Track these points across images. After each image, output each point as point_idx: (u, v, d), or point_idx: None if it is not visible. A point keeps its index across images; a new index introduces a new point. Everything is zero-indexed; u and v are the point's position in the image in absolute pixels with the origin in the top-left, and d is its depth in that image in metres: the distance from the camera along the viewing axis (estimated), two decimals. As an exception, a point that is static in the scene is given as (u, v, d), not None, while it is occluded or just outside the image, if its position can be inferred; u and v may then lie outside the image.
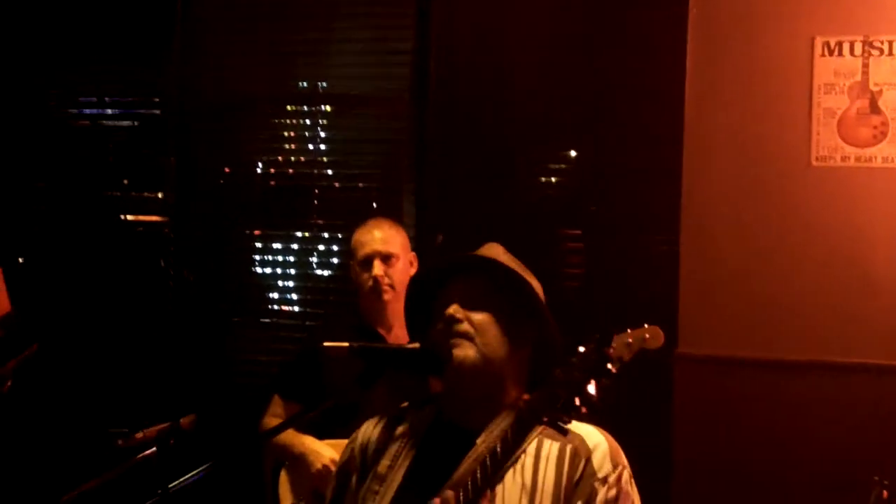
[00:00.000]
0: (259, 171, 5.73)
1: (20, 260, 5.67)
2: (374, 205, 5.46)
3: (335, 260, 5.59)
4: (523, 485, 2.30)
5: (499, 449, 2.29)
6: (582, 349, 2.36)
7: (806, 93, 4.68)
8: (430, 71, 5.35)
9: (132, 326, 5.69)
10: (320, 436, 4.03)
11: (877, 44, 4.59)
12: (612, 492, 2.30)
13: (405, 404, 2.61)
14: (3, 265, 4.37)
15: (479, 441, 2.34)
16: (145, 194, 5.88)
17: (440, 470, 2.33)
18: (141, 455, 2.93)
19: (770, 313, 4.69)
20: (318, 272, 5.63)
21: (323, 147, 5.63)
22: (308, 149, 5.64)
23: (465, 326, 2.37)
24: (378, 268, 4.07)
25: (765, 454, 4.61)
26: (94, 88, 5.95)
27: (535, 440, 2.34)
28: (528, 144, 5.27)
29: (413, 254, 4.24)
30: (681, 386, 4.77)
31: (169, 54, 5.75)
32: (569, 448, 2.33)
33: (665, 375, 4.70)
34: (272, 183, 5.70)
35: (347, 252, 5.33)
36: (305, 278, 5.64)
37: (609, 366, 2.35)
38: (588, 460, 2.32)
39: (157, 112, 5.88)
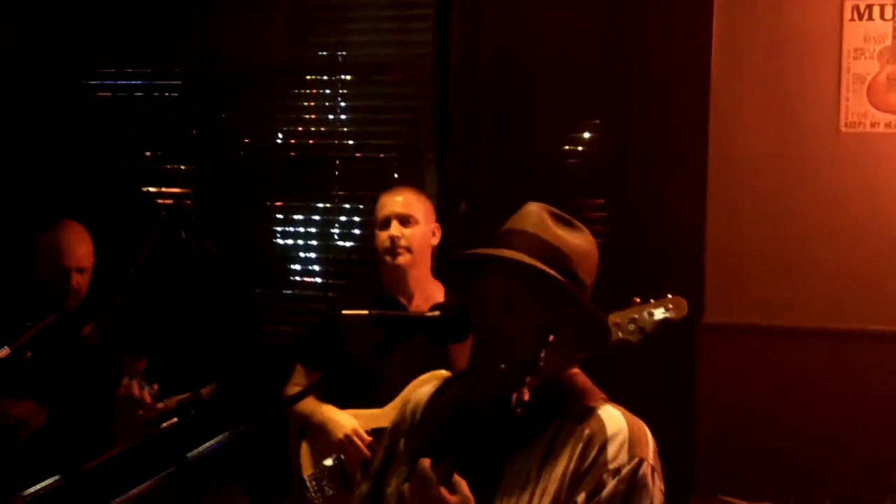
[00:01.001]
0: (279, 141, 5.69)
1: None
2: (396, 175, 5.41)
3: (357, 231, 5.55)
4: (533, 467, 2.20)
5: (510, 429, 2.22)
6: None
7: (835, 58, 4.62)
8: (452, 37, 5.26)
9: (154, 298, 5.67)
10: (342, 405, 4.03)
11: (907, 7, 4.52)
12: (623, 486, 2.14)
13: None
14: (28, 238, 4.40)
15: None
16: (167, 166, 5.85)
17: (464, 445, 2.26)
18: (162, 425, 2.90)
19: (797, 281, 4.66)
20: (340, 243, 5.60)
21: (343, 117, 5.57)
22: (328, 119, 5.60)
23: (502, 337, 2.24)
24: (395, 228, 4.05)
25: (790, 423, 4.59)
26: (115, 60, 5.91)
27: (556, 422, 2.24)
28: (553, 112, 5.19)
29: (437, 224, 4.21)
30: (706, 355, 4.73)
31: (189, 24, 5.71)
32: (586, 433, 2.20)
33: (690, 344, 4.67)
34: (293, 154, 5.67)
35: (369, 223, 5.32)
36: (327, 249, 5.61)
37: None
38: (602, 448, 2.17)
39: (178, 83, 5.84)
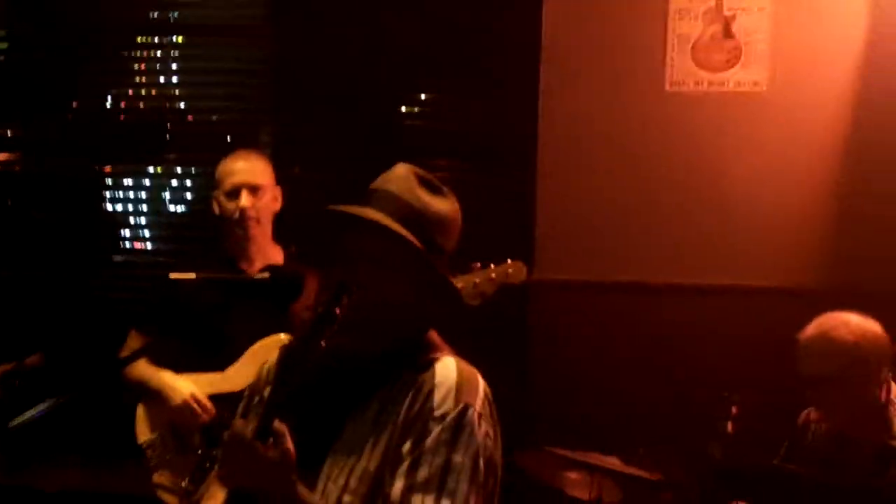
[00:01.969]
0: (110, 105, 5.54)
1: None
2: (229, 138, 5.32)
3: (190, 196, 5.47)
4: (370, 420, 2.20)
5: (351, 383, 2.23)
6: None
7: (661, 19, 4.72)
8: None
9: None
10: (181, 370, 3.97)
11: (730, -32, 4.64)
12: (448, 433, 2.12)
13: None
14: None
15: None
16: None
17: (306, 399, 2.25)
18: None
19: (626, 238, 4.76)
20: (173, 208, 5.50)
21: (175, 79, 5.45)
22: (160, 81, 5.47)
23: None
24: (246, 199, 3.96)
25: (621, 375, 4.70)
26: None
27: (397, 376, 2.23)
28: (389, 74, 5.19)
29: (278, 188, 4.15)
30: (537, 311, 4.81)
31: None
32: (418, 382, 2.20)
33: (521, 301, 4.74)
34: (123, 118, 5.53)
35: (203, 187, 5.25)
36: (160, 214, 5.51)
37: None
38: (429, 396, 2.17)
39: (4, 45, 5.64)
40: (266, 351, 3.84)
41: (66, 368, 5.01)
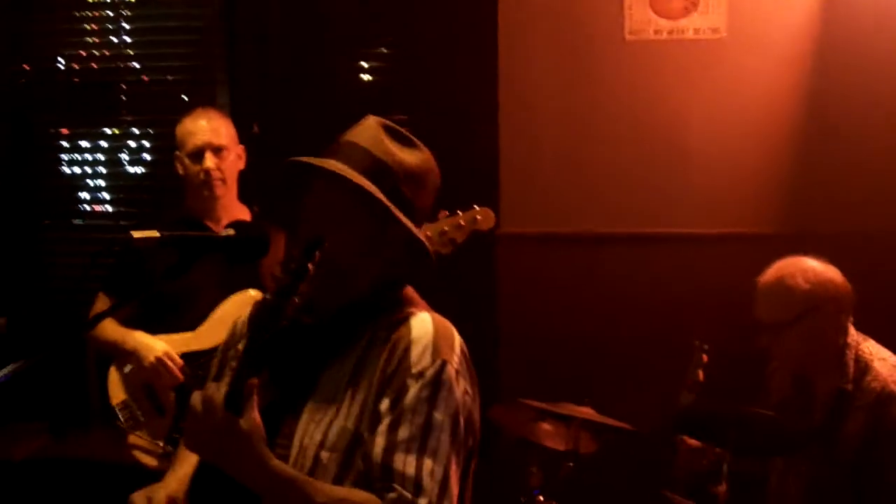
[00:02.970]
0: (62, 66, 5.44)
1: None
2: (186, 97, 5.26)
3: (147, 156, 5.39)
4: (346, 375, 2.19)
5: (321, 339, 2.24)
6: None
7: (618, -34, 4.70)
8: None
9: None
10: (153, 331, 3.94)
11: (688, -85, 4.62)
12: (427, 390, 2.12)
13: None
14: None
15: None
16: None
17: (280, 355, 2.26)
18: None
19: (589, 189, 4.78)
20: (130, 169, 5.42)
21: (128, 38, 5.36)
22: (112, 41, 5.37)
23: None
24: (210, 160, 3.96)
25: (589, 324, 4.74)
26: None
27: (371, 332, 2.23)
28: (346, 27, 5.14)
29: (242, 147, 4.12)
30: (504, 264, 4.82)
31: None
32: (393, 339, 2.19)
33: (488, 254, 4.74)
34: (76, 79, 5.43)
35: (159, 147, 5.20)
36: (117, 177, 5.44)
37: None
38: (406, 352, 2.16)
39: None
40: (236, 307, 3.84)
41: (29, 333, 5.01)
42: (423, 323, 2.22)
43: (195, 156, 3.97)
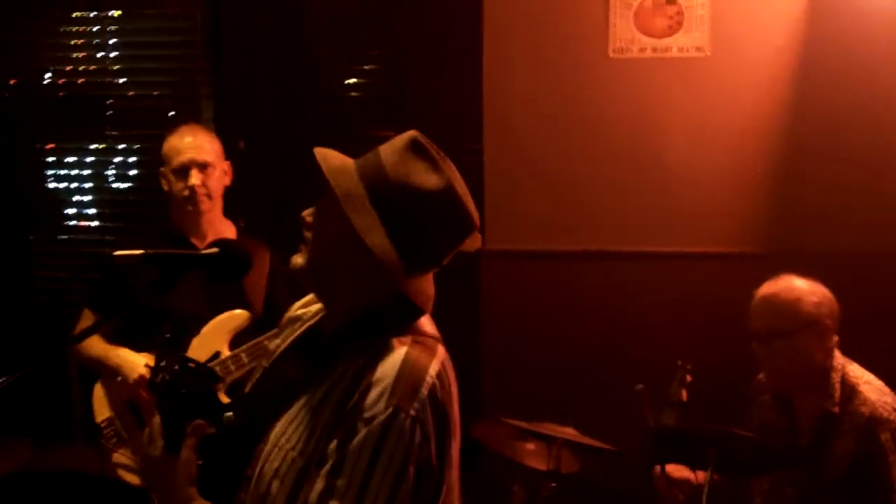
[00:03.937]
0: (47, 81, 5.44)
1: None
2: (171, 112, 5.27)
3: (132, 171, 5.40)
4: (315, 402, 2.09)
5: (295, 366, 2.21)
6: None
7: (603, -16, 4.72)
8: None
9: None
10: (139, 348, 3.93)
11: (672, -67, 4.65)
12: (373, 438, 1.97)
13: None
14: None
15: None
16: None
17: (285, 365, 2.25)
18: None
19: (573, 206, 4.78)
20: (116, 184, 5.43)
21: (114, 53, 5.36)
22: (98, 56, 5.37)
23: (306, 233, 2.17)
24: (195, 177, 3.95)
25: (572, 342, 4.74)
26: None
27: (351, 357, 2.10)
28: (330, 43, 5.15)
29: (227, 163, 4.11)
30: (488, 281, 4.83)
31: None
32: (362, 372, 2.05)
33: (473, 271, 4.75)
34: (62, 94, 5.43)
35: (145, 162, 5.20)
36: (102, 191, 5.44)
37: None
38: (365, 392, 2.01)
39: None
40: (221, 326, 3.85)
41: (14, 347, 5.00)
42: (392, 362, 2.05)
43: (180, 172, 3.97)
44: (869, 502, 3.35)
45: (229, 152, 4.20)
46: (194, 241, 4.02)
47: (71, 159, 5.45)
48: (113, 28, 5.36)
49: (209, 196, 3.99)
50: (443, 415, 2.08)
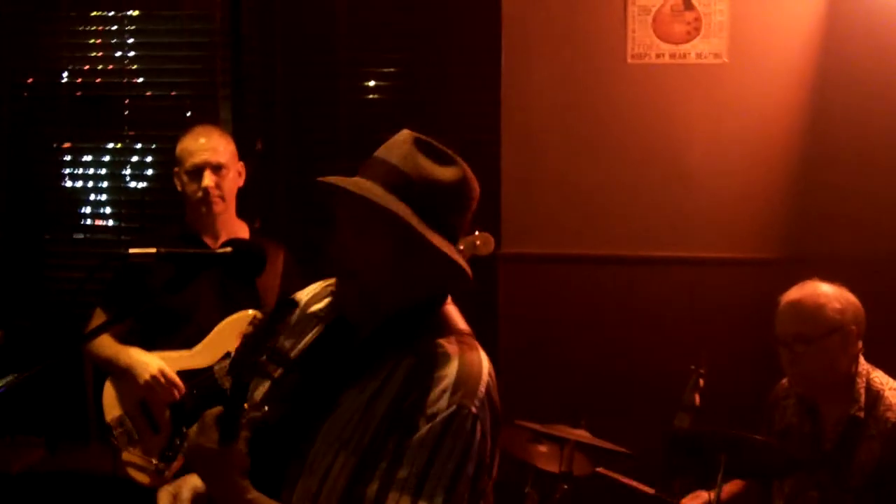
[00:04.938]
0: (66, 81, 5.45)
1: None
2: (189, 113, 5.27)
3: (149, 171, 5.41)
4: (365, 400, 2.10)
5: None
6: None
7: (621, -10, 4.71)
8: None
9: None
10: (150, 347, 3.94)
11: (691, -61, 4.64)
12: (435, 434, 2.01)
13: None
14: None
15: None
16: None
17: (321, 363, 2.25)
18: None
19: (591, 211, 4.78)
20: (132, 184, 5.43)
21: (132, 54, 5.37)
22: (116, 56, 5.37)
23: (345, 265, 2.20)
24: (209, 178, 3.94)
25: (588, 346, 4.74)
26: None
27: (398, 356, 2.13)
28: (351, 46, 5.15)
29: (241, 164, 4.12)
30: (505, 284, 4.82)
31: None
32: (417, 371, 2.09)
33: (490, 274, 4.74)
34: (80, 93, 5.43)
35: (161, 163, 5.20)
36: (119, 191, 5.45)
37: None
38: (425, 390, 2.05)
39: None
40: (233, 327, 3.84)
41: (28, 346, 5.01)
42: (449, 359, 2.10)
43: (194, 173, 3.97)
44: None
45: (248, 153, 4.20)
46: (208, 241, 4.02)
47: (87, 159, 5.46)
48: (131, 28, 5.36)
49: (223, 197, 3.99)
50: (496, 412, 2.14)
